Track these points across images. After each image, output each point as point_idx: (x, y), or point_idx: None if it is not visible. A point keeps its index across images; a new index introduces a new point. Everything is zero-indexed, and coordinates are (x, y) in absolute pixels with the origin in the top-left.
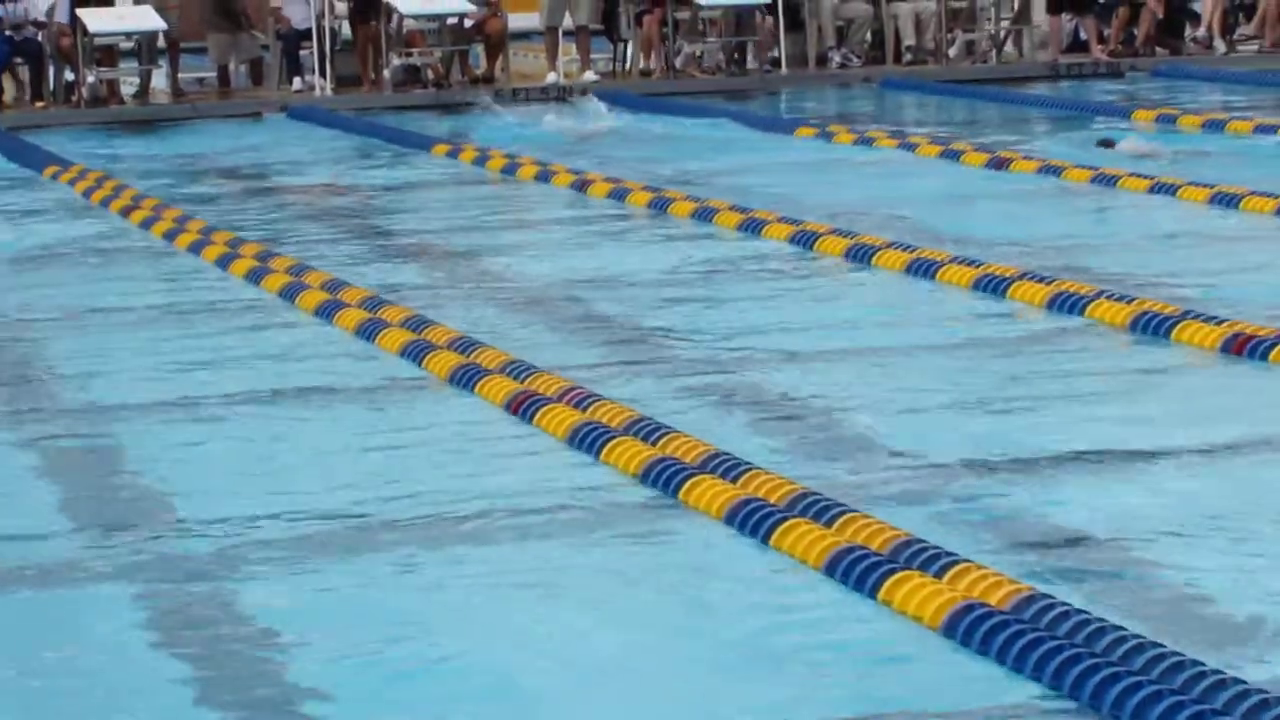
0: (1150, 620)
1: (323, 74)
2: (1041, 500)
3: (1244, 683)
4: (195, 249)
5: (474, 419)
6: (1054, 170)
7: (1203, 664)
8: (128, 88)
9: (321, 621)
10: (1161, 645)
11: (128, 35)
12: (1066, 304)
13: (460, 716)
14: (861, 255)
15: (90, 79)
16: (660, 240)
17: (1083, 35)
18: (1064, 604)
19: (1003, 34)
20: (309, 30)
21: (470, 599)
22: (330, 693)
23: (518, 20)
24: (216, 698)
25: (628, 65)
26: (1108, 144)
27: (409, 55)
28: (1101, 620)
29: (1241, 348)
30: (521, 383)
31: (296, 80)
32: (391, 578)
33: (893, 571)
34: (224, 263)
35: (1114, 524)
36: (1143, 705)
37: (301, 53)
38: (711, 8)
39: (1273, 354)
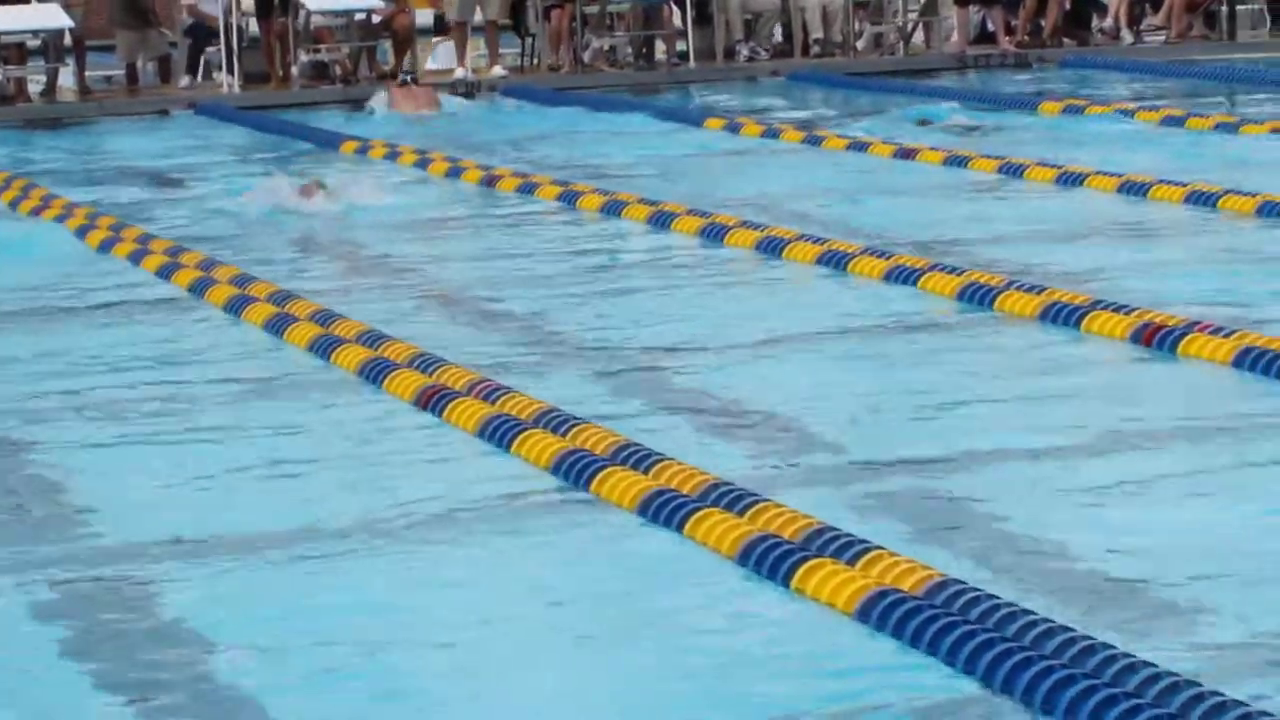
0: (1063, 605)
1: (230, 70)
2: (953, 486)
3: (1155, 666)
4: (105, 247)
5: (382, 413)
6: (961, 161)
7: (1114, 647)
8: (35, 86)
9: (230, 620)
10: (1073, 629)
11: (34, 33)
12: (976, 295)
13: (369, 711)
14: (772, 248)
15: None
16: (570, 234)
17: (990, 27)
18: (976, 589)
19: (910, 26)
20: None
21: (381, 594)
22: (243, 692)
23: (425, 16)
24: (130, 700)
25: (536, 60)
26: (924, 122)
27: (317, 51)
28: (1013, 605)
29: (1151, 338)
30: (430, 376)
31: (185, 79)
32: (300, 574)
33: (805, 559)
34: (136, 259)
35: (1025, 510)
36: (1055, 689)
37: (209, 49)
38: (620, 2)
39: (1181, 344)
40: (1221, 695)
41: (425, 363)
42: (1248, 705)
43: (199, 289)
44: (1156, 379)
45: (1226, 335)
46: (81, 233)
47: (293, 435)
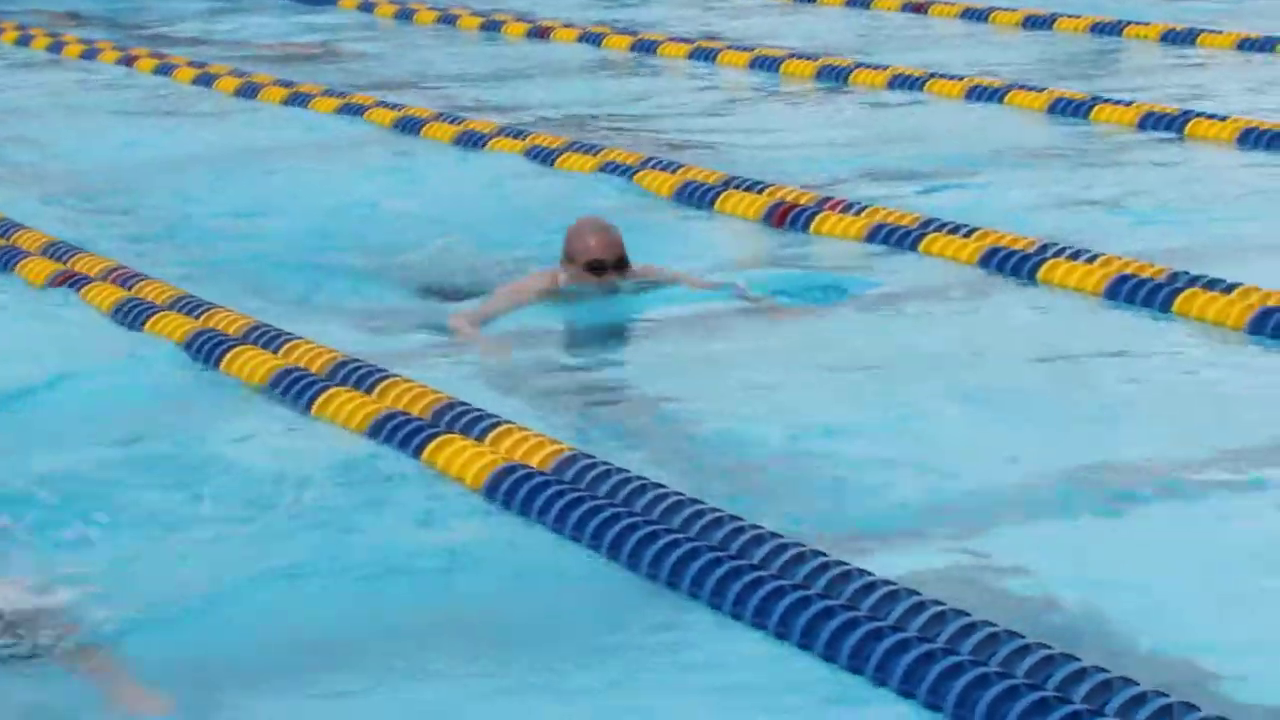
0: (688, 476)
1: None
2: (584, 360)
3: (759, 527)
4: None
5: (14, 299)
6: (594, 38)
7: (741, 519)
8: None
9: None
10: (702, 502)
11: None
12: (615, 171)
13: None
14: (409, 127)
15: None
16: (207, 116)
17: None
18: (604, 463)
19: None
20: None
21: None
22: None
23: None
24: None
25: None
26: None
27: None
28: (642, 478)
29: (783, 217)
30: (64, 263)
31: None
32: None
33: (434, 435)
34: None
35: (655, 382)
36: (680, 562)
37: None
38: None
39: (813, 223)
40: (824, 555)
41: (58, 250)
42: (846, 563)
43: None
44: (789, 251)
45: (857, 213)
46: None
47: None
